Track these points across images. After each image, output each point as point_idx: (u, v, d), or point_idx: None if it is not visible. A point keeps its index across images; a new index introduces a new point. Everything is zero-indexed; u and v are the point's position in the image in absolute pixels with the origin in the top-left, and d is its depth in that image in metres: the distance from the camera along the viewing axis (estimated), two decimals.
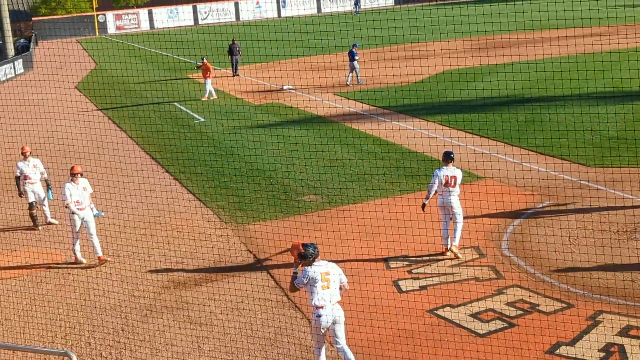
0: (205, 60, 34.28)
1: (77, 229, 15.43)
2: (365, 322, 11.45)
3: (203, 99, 34.38)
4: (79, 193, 15.33)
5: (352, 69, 35.05)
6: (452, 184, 14.17)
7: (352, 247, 14.54)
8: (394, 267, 14.05)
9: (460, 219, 14.30)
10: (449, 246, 14.34)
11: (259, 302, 12.98)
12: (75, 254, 15.70)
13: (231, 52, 40.88)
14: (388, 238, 14.34)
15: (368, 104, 29.79)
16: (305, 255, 10.19)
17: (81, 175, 15.59)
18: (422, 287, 13.17)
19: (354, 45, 34.34)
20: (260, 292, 13.31)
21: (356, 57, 34.60)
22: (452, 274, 13.61)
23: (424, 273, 13.70)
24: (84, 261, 15.65)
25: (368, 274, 13.42)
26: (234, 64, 41.19)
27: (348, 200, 18.04)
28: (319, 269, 10.21)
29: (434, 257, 14.28)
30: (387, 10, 77.11)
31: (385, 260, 14.34)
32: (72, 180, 15.41)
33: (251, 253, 15.45)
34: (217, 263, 15.04)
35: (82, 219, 15.27)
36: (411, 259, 14.27)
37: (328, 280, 10.18)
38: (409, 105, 28.04)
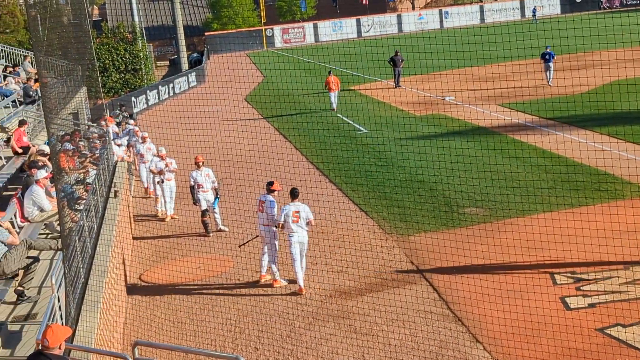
0: (331, 74, 36.24)
1: (275, 245, 15.21)
2: (533, 340, 11.19)
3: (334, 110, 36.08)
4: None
5: (547, 69, 36.45)
6: None
7: (517, 261, 14.23)
8: (561, 283, 13.63)
9: None
10: None
11: (422, 314, 12.95)
12: (274, 274, 15.23)
13: (394, 63, 41.13)
14: (555, 253, 13.93)
15: (538, 116, 28.99)
16: (296, 193, 14.75)
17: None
18: (591, 305, 12.70)
19: (547, 47, 35.45)
20: (423, 305, 13.28)
21: (554, 58, 36.08)
22: (625, 292, 13.04)
23: (595, 290, 13.20)
24: (285, 282, 15.14)
25: (535, 290, 13.09)
26: (397, 75, 41.39)
27: (513, 213, 17.66)
28: (292, 208, 14.55)
29: (604, 274, 13.73)
30: (559, 19, 74.93)
31: (552, 275, 13.94)
32: (267, 193, 15.33)
33: (413, 264, 15.44)
34: (379, 273, 15.14)
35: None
36: (579, 275, 13.81)
37: (297, 217, 14.49)
38: (577, 117, 27.07)
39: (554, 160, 22.10)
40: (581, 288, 13.38)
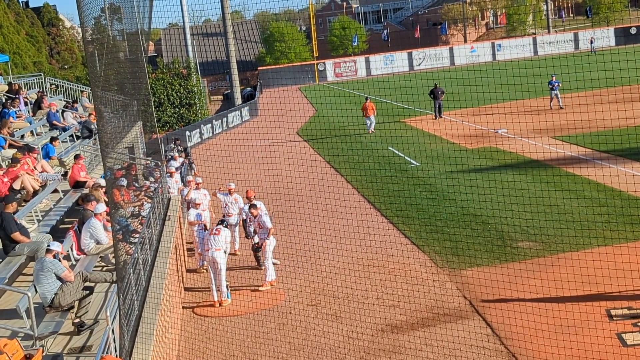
0: (368, 101, 40.24)
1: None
2: None
3: (371, 132, 40.11)
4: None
5: (555, 97, 40.04)
6: None
7: (572, 296, 14.00)
8: (617, 319, 13.37)
9: None
10: None
11: (475, 349, 12.81)
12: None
13: (434, 96, 41.92)
14: (611, 288, 13.68)
15: (592, 148, 28.62)
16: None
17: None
18: None
19: (552, 76, 39.48)
20: (476, 340, 13.14)
21: (557, 86, 39.50)
22: None
23: None
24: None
25: (591, 326, 12.86)
26: (437, 107, 42.24)
27: (567, 247, 17.41)
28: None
29: None
30: (612, 51, 74.14)
31: (608, 311, 13.68)
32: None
33: (466, 299, 15.30)
34: (432, 308, 15.03)
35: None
36: (636, 310, 13.52)
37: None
38: (632, 149, 26.68)
39: (608, 193, 21.75)
40: (638, 324, 13.10)
